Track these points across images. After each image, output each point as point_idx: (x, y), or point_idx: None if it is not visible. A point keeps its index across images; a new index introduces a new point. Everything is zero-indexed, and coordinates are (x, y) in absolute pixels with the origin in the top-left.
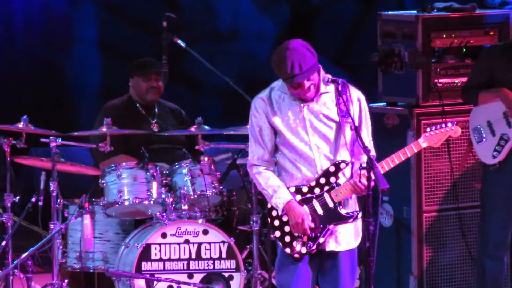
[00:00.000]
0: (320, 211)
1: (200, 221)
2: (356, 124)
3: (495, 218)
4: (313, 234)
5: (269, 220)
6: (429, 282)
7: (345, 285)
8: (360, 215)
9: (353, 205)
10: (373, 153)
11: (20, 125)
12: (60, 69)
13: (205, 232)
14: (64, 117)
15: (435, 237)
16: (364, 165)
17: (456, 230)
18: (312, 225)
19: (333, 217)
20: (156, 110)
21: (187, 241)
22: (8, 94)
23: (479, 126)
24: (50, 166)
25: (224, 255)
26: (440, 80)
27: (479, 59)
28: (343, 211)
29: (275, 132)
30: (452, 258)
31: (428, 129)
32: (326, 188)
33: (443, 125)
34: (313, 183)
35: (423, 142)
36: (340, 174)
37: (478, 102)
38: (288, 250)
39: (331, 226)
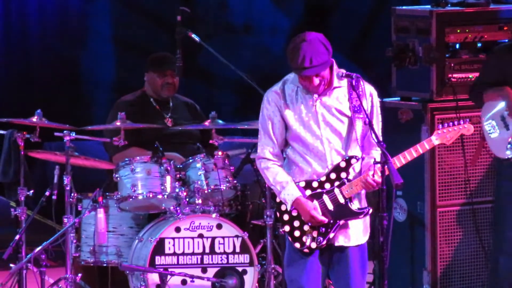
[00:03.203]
0: (330, 206)
1: (214, 215)
2: None
3: (510, 214)
4: (323, 229)
5: (278, 214)
6: (443, 277)
7: (356, 279)
8: (370, 211)
9: (361, 201)
10: None
11: (34, 119)
12: (75, 63)
13: (219, 226)
14: (78, 111)
15: (449, 232)
16: (378, 159)
17: (470, 225)
18: (324, 218)
19: (344, 212)
20: (171, 104)
21: (200, 236)
22: (22, 88)
23: (492, 120)
24: (64, 160)
25: (237, 250)
26: (454, 75)
27: (487, 59)
28: (354, 207)
29: (286, 126)
30: (466, 253)
31: (441, 126)
32: (336, 183)
33: (456, 123)
34: (323, 178)
35: (435, 140)
36: (350, 170)
37: (484, 101)
38: (297, 245)
39: (341, 222)
